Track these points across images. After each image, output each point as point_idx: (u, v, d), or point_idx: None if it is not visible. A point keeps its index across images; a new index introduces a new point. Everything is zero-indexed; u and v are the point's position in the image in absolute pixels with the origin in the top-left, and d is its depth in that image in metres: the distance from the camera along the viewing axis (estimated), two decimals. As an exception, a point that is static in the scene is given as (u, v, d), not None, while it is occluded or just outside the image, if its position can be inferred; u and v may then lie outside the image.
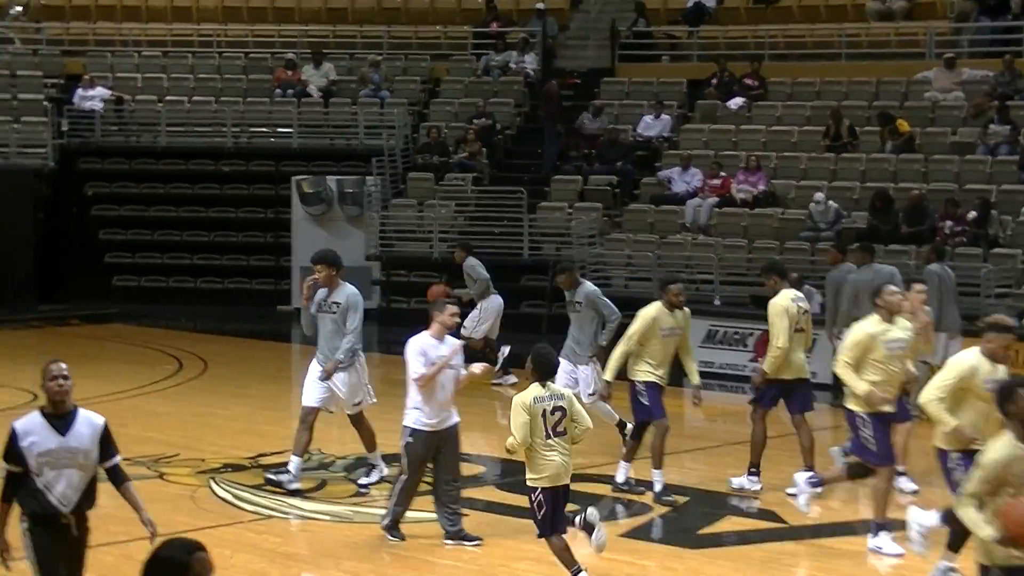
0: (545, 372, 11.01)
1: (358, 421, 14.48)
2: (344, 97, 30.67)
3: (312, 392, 14.16)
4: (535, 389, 10.85)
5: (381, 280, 27.79)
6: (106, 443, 8.98)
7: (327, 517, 13.39)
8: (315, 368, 14.19)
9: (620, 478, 14.51)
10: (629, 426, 15.09)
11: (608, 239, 26.20)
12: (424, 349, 12.23)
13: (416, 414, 12.29)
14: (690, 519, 13.63)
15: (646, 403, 14.13)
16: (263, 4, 33.24)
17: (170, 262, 29.98)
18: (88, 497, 8.95)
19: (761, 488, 14.39)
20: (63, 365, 8.99)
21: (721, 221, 25.58)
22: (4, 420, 17.22)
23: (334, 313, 14.01)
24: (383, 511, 12.76)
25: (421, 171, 28.74)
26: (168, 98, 30.97)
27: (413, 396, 12.31)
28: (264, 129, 30.66)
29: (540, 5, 31.67)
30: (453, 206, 27.87)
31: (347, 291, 14.05)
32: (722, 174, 26.10)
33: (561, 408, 10.81)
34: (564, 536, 10.97)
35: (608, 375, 14.38)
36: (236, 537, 12.53)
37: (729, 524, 13.53)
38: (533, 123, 29.92)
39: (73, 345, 23.86)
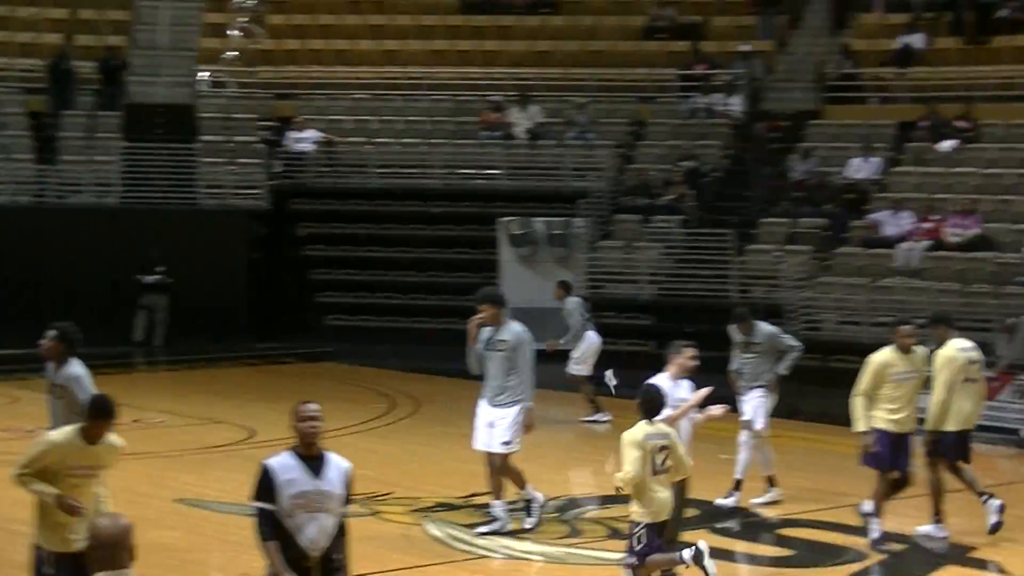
0: (651, 410, 11.26)
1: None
2: (550, 139, 30.88)
3: (481, 436, 14.28)
4: (644, 427, 11.15)
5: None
6: (349, 488, 8.82)
7: (540, 558, 13.44)
8: (483, 409, 14.29)
9: (874, 534, 14.06)
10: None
11: (818, 282, 25.98)
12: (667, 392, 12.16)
13: None
14: (908, 567, 13.46)
15: (876, 451, 13.90)
16: (470, 47, 33.63)
17: (381, 302, 30.38)
18: (336, 544, 8.72)
19: (947, 536, 14.15)
20: (315, 406, 8.83)
21: (933, 265, 25.21)
22: (224, 457, 17.77)
23: (501, 351, 14.06)
24: (609, 553, 12.77)
25: (628, 213, 28.79)
26: (378, 140, 31.47)
27: None
28: (472, 170, 30.99)
29: (746, 47, 31.59)
30: (661, 248, 27.87)
31: (514, 329, 14.13)
32: (934, 217, 25.74)
33: (666, 447, 11.14)
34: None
35: (859, 426, 13.95)
36: (449, 576, 12.67)
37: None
38: (739, 165, 29.83)
39: (288, 383, 24.28)
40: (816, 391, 22.64)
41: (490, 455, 14.22)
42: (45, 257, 28.53)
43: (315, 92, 32.93)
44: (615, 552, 13.51)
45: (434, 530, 14.27)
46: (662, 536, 11.19)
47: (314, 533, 8.61)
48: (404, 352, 28.29)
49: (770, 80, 31.77)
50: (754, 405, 15.93)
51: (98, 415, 9.78)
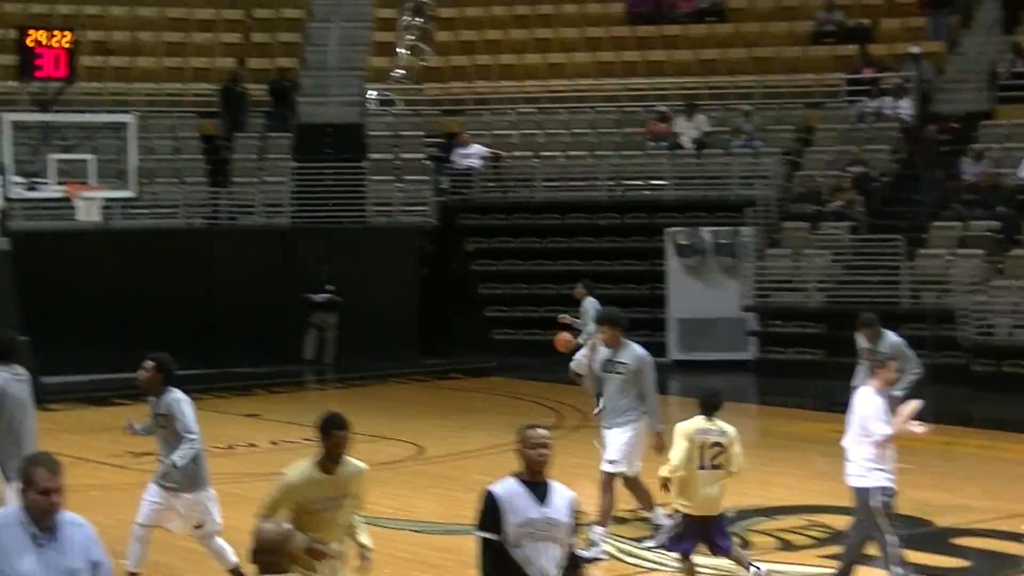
0: (710, 407, 11.67)
1: (633, 483, 14.17)
2: (717, 148, 30.71)
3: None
4: (699, 421, 11.49)
5: (757, 331, 27.63)
6: (575, 518, 8.46)
7: (709, 571, 13.33)
8: (601, 433, 14.03)
9: None
10: None
11: (991, 286, 25.50)
12: (880, 406, 11.87)
13: (880, 474, 11.92)
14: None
15: None
16: (635, 59, 33.58)
17: (547, 315, 30.36)
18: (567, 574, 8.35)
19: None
20: (545, 432, 8.52)
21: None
22: (392, 473, 17.91)
23: (621, 374, 13.75)
24: (779, 565, 12.66)
25: (796, 220, 28.52)
26: (543, 153, 31.56)
27: (866, 453, 11.91)
28: (638, 182, 30.93)
29: (915, 49, 31.13)
30: (829, 255, 27.56)
31: (634, 352, 13.81)
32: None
33: (720, 444, 11.38)
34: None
35: None
36: (619, 590, 12.62)
37: None
38: (909, 169, 29.38)
39: (455, 398, 24.44)
40: (990, 397, 22.31)
41: (603, 473, 13.99)
42: (218, 278, 29.03)
43: (481, 107, 33.15)
44: (784, 564, 13.41)
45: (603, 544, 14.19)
46: (703, 531, 11.43)
47: (544, 563, 8.24)
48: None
49: (940, 81, 31.27)
50: None
51: (329, 427, 9.70)
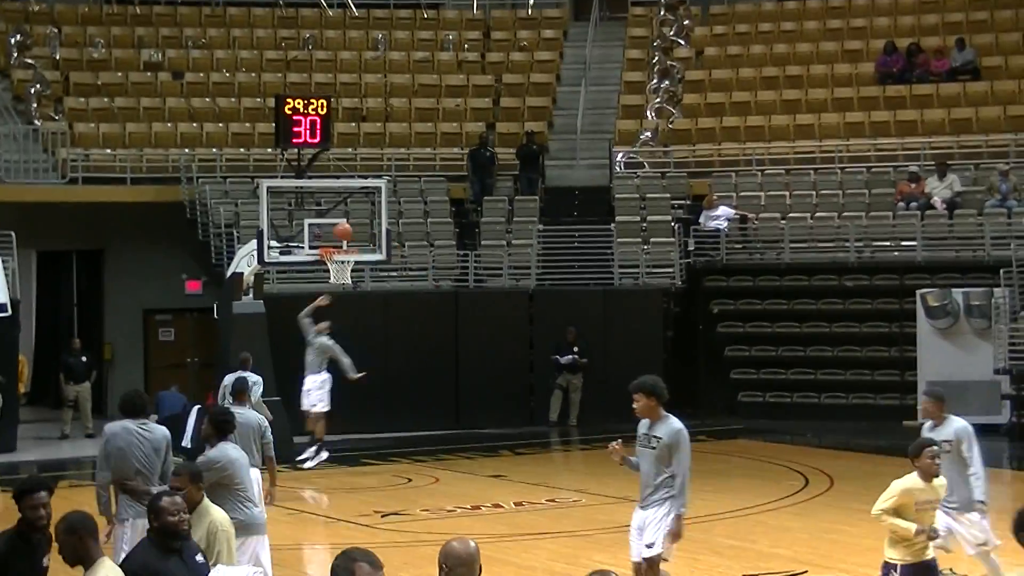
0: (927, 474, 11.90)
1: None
2: (969, 208, 30.12)
3: (633, 545, 12.70)
4: (916, 482, 11.84)
5: (1012, 394, 26.94)
6: None
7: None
8: (635, 514, 12.76)
9: None
10: None
11: None
12: None
13: None
14: None
15: None
16: (885, 119, 33.14)
17: (794, 378, 30.12)
18: None
19: None
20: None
21: None
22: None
23: (654, 448, 12.53)
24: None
25: (1052, 281, 27.79)
26: (791, 215, 31.32)
27: None
28: (887, 243, 30.48)
29: None
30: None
31: (672, 425, 12.55)
32: None
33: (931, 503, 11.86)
34: None
35: None
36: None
37: None
38: None
39: (702, 460, 24.09)
40: None
41: (637, 564, 12.64)
42: (465, 340, 29.40)
43: (729, 169, 33.03)
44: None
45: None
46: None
47: None
48: (818, 428, 27.98)
49: None
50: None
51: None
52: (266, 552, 12.94)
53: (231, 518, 10.63)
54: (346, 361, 24.10)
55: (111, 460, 13.00)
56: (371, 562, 6.85)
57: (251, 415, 15.60)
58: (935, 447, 12.09)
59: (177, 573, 8.69)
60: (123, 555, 11.14)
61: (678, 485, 12.49)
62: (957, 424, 13.54)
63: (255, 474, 14.42)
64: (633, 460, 12.76)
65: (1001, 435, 26.57)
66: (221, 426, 12.80)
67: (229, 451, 12.60)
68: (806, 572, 15.62)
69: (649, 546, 12.50)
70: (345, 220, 24.29)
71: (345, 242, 23.76)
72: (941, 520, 12.74)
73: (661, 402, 12.61)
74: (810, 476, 22.44)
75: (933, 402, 13.63)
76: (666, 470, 12.50)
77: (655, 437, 12.51)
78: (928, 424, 13.69)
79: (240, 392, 16.56)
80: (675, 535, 12.53)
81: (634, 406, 12.61)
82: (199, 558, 9.01)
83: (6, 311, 26.15)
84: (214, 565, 9.21)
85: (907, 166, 31.36)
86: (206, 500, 10.19)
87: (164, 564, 8.66)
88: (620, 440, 12.87)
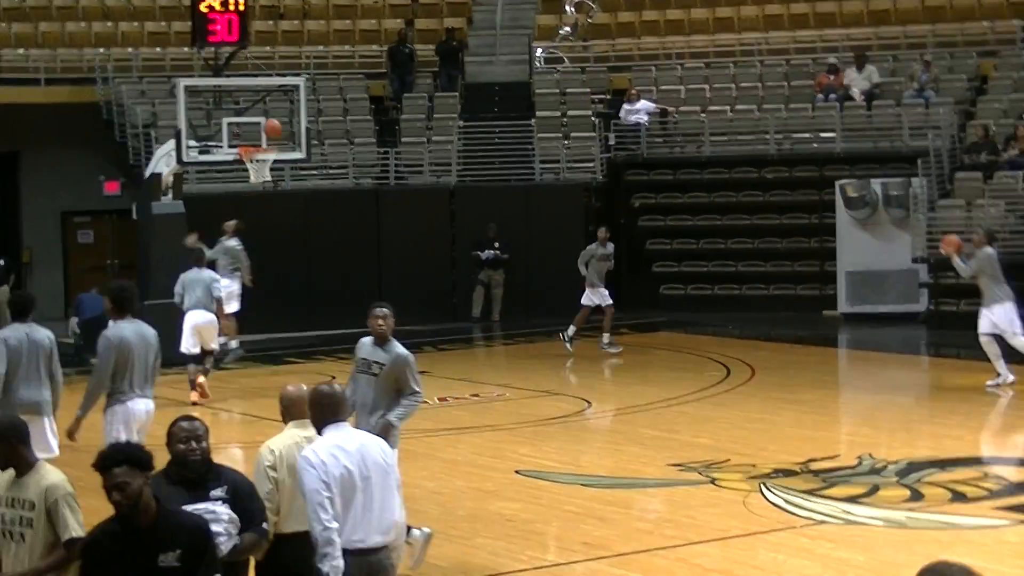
0: None
1: None
2: (887, 99, 30.26)
3: None
4: None
5: (929, 283, 27.24)
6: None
7: (880, 522, 13.21)
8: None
9: None
10: None
11: None
12: None
13: None
14: None
15: None
16: (804, 11, 33.17)
17: (715, 270, 30.28)
18: None
19: None
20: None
21: None
22: (561, 429, 18.00)
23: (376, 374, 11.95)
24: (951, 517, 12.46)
25: (969, 171, 28.01)
26: (711, 108, 31.36)
27: None
28: (807, 135, 30.60)
29: (1097, -9, 30.37)
30: (1003, 205, 27.04)
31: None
32: None
33: None
34: None
35: None
36: (790, 542, 12.53)
37: None
38: (1088, 116, 28.69)
39: (625, 354, 24.42)
40: None
41: None
42: (387, 237, 29.33)
43: (649, 63, 32.98)
44: (957, 516, 13.24)
45: (772, 496, 14.14)
46: None
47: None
48: (739, 319, 28.20)
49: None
50: None
51: None
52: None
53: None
54: (246, 263, 24.22)
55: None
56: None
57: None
58: None
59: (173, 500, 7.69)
60: None
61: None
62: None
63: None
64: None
65: (919, 323, 26.92)
66: (119, 303, 12.96)
67: (123, 330, 12.73)
68: (728, 461, 15.76)
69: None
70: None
71: (267, 139, 23.64)
72: None
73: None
74: (732, 367, 22.64)
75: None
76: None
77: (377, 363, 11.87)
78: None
79: None
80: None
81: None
82: (213, 505, 8.09)
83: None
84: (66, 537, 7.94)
85: (826, 58, 31.44)
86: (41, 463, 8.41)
87: (164, 491, 7.60)
88: None
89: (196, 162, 24.75)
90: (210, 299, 20.27)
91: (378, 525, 8.30)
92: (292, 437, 8.81)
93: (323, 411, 8.44)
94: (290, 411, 8.90)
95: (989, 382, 19.78)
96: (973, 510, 13.46)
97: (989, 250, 20.21)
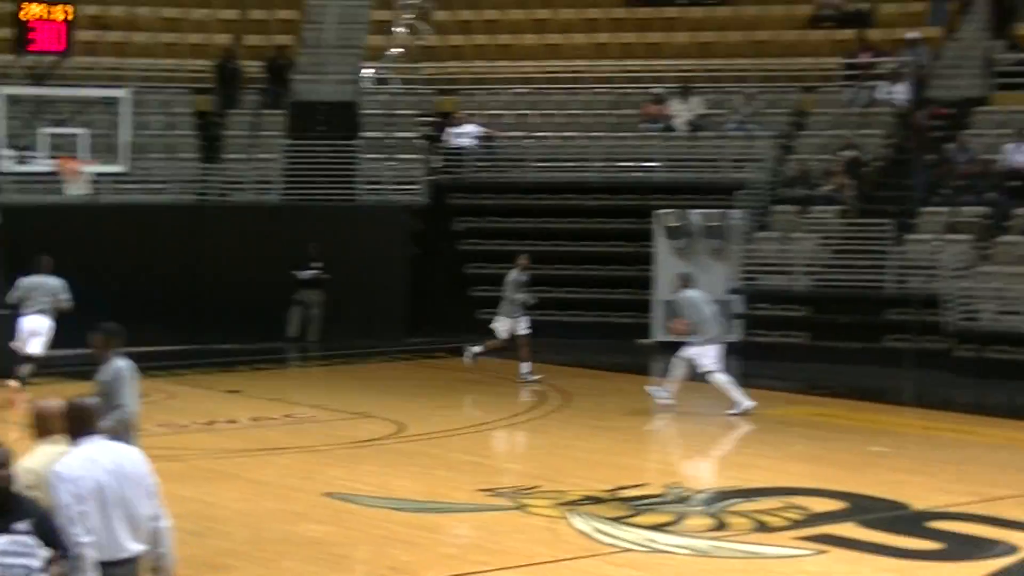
0: None
1: None
2: (710, 131, 30.71)
3: None
4: None
5: (743, 313, 27.65)
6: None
7: (685, 551, 13.37)
8: None
9: None
10: None
11: (977, 272, 25.52)
12: None
13: None
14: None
15: None
16: (634, 40, 33.55)
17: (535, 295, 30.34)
18: None
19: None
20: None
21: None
22: (374, 451, 17.94)
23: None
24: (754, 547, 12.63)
25: (786, 204, 28.52)
26: (537, 134, 31.55)
27: None
28: (630, 163, 30.91)
29: (914, 35, 31.07)
30: (817, 239, 27.59)
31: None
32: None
33: None
34: None
35: None
36: (595, 570, 12.63)
37: None
38: (902, 154, 29.37)
39: (438, 377, 24.47)
40: (971, 382, 22.28)
41: None
42: (206, 254, 29.00)
43: (477, 87, 33.09)
44: (759, 546, 13.43)
45: (580, 523, 14.23)
46: None
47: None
48: (558, 346, 28.29)
49: (937, 67, 31.16)
50: None
51: None
52: None
53: None
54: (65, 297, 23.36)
55: None
56: None
57: None
58: None
59: None
60: None
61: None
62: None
63: None
64: None
65: (732, 353, 27.24)
66: None
67: None
68: (538, 487, 15.83)
69: None
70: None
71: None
72: None
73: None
74: (547, 393, 22.76)
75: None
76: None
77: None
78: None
79: None
80: None
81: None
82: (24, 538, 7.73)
83: None
84: None
85: (653, 88, 31.80)
86: None
87: None
88: None
89: (13, 172, 24.33)
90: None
91: (134, 535, 8.23)
92: (48, 454, 8.64)
93: (78, 424, 8.34)
94: (45, 427, 8.68)
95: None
96: (775, 539, 13.66)
97: (690, 293, 20.85)
